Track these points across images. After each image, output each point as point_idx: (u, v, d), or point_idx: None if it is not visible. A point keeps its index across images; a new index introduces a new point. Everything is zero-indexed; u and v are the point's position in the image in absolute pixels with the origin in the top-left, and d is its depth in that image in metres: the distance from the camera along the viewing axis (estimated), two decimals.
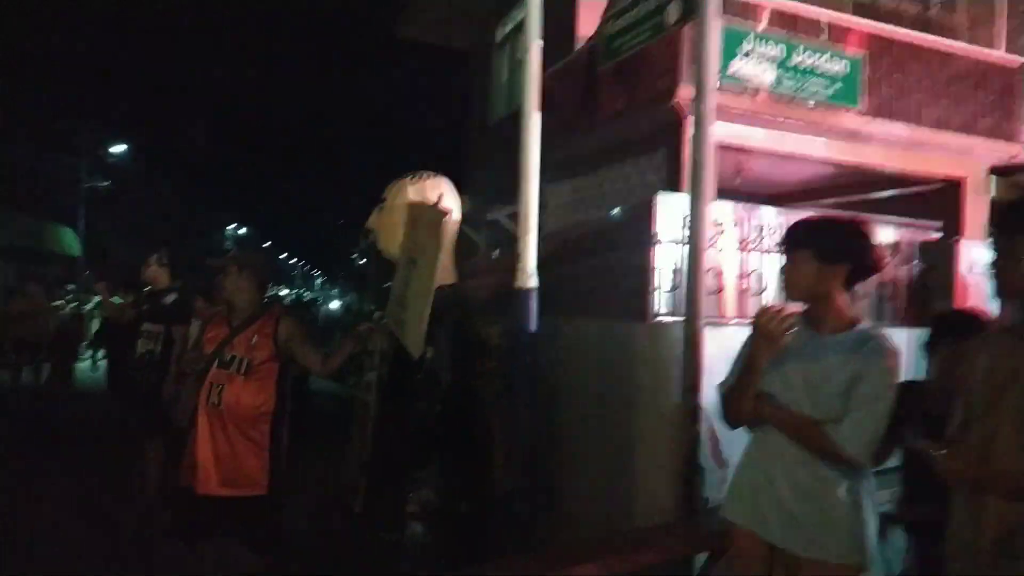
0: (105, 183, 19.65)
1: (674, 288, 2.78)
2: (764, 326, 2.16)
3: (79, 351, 10.89)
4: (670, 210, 2.73)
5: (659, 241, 2.72)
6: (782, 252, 2.28)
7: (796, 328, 2.14)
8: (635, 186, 6.38)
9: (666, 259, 2.78)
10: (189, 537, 3.40)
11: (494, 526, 2.61)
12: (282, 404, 3.42)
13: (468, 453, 2.54)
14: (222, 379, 3.32)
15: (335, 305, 26.32)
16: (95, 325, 12.62)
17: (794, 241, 2.29)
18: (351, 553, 2.86)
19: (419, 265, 2.38)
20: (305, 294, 31.33)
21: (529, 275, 2.38)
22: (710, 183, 2.37)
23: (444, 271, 2.40)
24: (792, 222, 2.33)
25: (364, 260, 24.27)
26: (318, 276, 58.06)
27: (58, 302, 9.99)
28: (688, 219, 2.44)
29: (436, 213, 2.31)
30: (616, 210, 3.34)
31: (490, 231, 9.85)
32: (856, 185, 8.48)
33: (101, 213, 19.10)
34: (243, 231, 43.86)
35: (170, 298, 4.95)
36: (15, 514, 5.17)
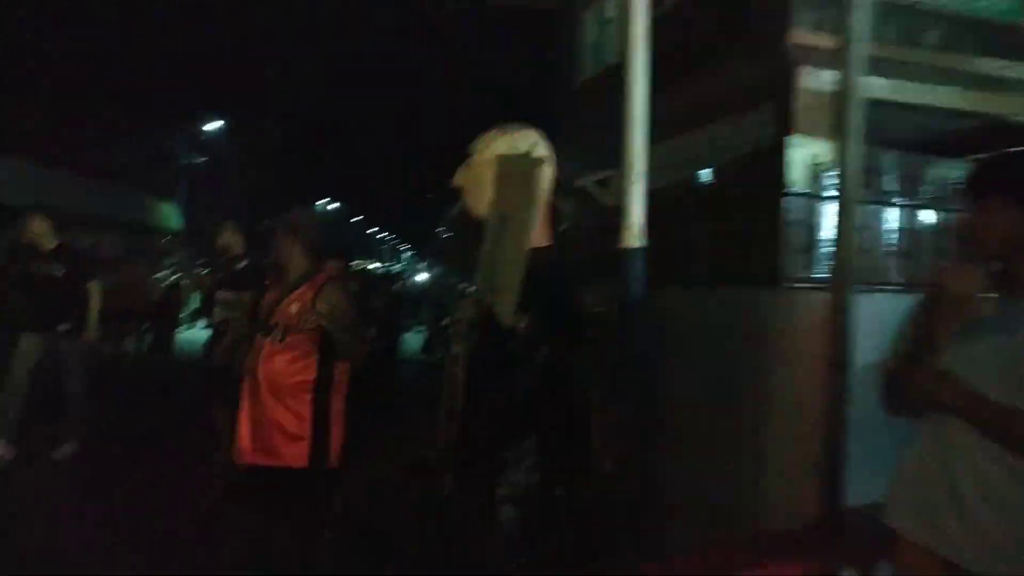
0: (202, 159, 20.44)
1: (810, 248, 2.41)
2: (951, 288, 1.75)
3: (178, 321, 11.29)
4: (804, 158, 2.36)
5: (792, 193, 2.36)
6: (968, 199, 1.86)
7: (988, 292, 1.72)
8: (738, 145, 5.87)
9: (800, 214, 2.41)
10: (241, 508, 3.35)
11: (592, 514, 2.36)
12: (328, 375, 3.21)
13: (565, 433, 2.30)
14: (262, 346, 3.21)
15: (422, 278, 26.61)
16: (197, 296, 13.08)
17: (985, 185, 1.85)
18: (436, 538, 2.67)
19: (511, 223, 2.12)
20: (393, 267, 31.89)
21: (636, 233, 2.07)
22: (859, 121, 1.98)
23: (539, 231, 2.14)
24: (981, 163, 1.89)
25: (449, 233, 24.39)
26: (406, 249, 59.09)
27: (159, 274, 10.34)
28: (826, 167, 2.08)
29: (530, 162, 2.05)
30: (731, 162, 2.98)
31: (577, 200, 9.47)
32: (1000, 141, 7.58)
33: (199, 188, 19.85)
34: (334, 205, 45.09)
35: (246, 264, 4.99)
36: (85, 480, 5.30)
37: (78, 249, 5.57)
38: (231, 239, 5.11)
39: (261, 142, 21.55)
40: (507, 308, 2.03)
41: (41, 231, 5.54)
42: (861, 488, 2.02)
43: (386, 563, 3.55)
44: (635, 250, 2.07)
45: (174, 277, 13.01)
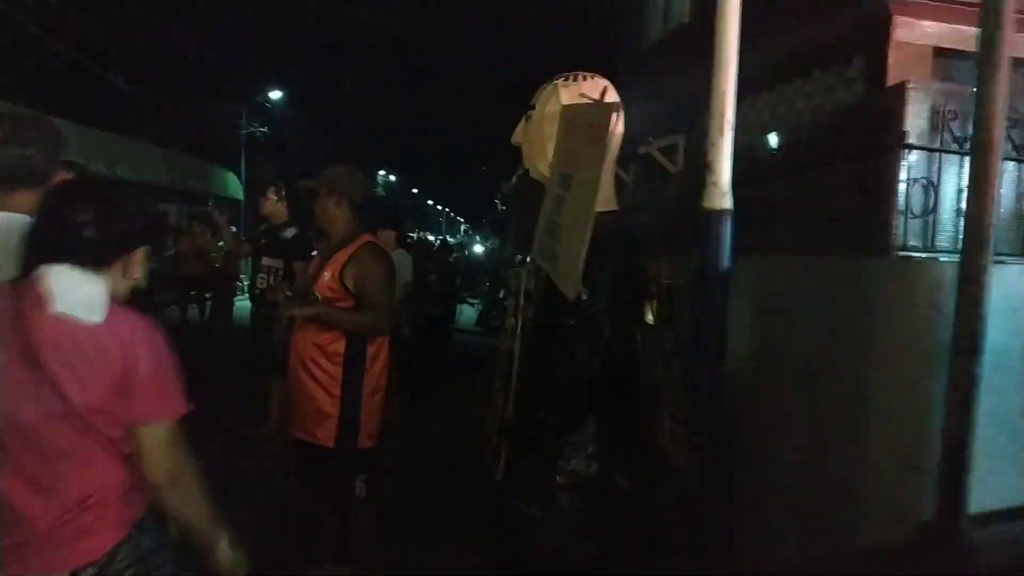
0: (263, 129, 20.70)
1: (927, 212, 2.08)
2: None
3: (237, 288, 11.41)
4: (923, 104, 2.02)
5: (910, 146, 2.03)
6: None
7: None
8: (834, 97, 5.40)
9: (917, 171, 2.08)
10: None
11: (658, 508, 2.13)
12: (360, 348, 2.93)
13: (630, 418, 2.07)
14: (282, 305, 3.03)
15: (478, 249, 26.53)
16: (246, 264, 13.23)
17: None
18: (487, 525, 2.48)
19: (577, 181, 1.87)
20: (450, 239, 32.00)
21: (722, 192, 1.80)
22: (1005, 58, 1.65)
23: (604, 194, 1.89)
24: None
25: (504, 206, 24.16)
26: (463, 222, 59.29)
27: (221, 242, 10.45)
28: (958, 113, 1.77)
29: (601, 109, 1.79)
30: (826, 116, 2.64)
31: (639, 167, 9.07)
32: None
33: (261, 158, 20.13)
34: (392, 177, 45.28)
35: (289, 232, 4.85)
36: None
37: None
38: (276, 206, 4.98)
39: (322, 112, 21.70)
40: (569, 279, 1.79)
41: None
42: (988, 491, 1.73)
43: (427, 552, 3.36)
44: (720, 212, 1.79)
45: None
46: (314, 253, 3.46)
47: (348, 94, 20.58)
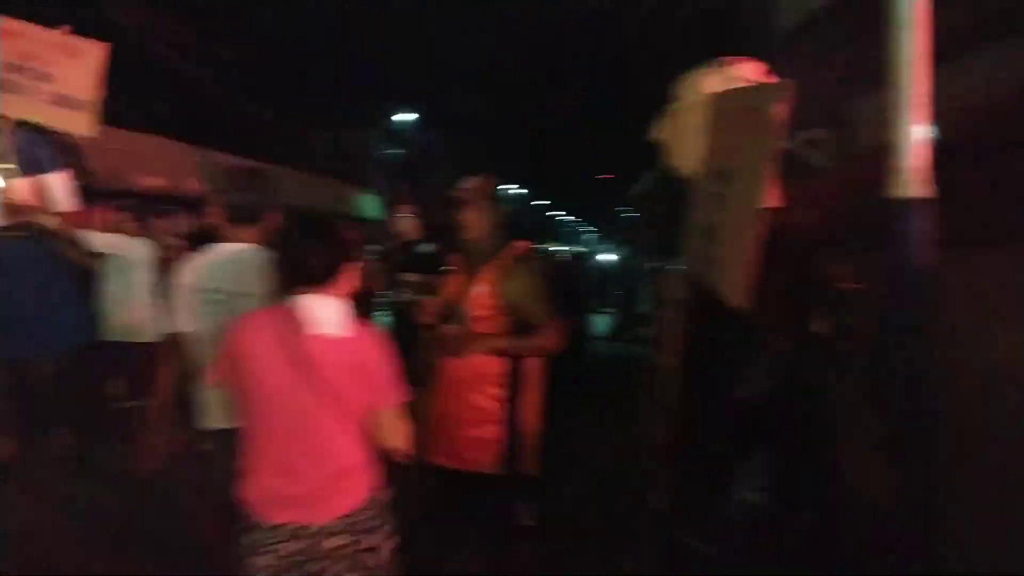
0: (399, 151, 21.55)
1: None
2: None
3: (378, 304, 11.79)
4: None
5: None
6: None
7: None
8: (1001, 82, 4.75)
9: None
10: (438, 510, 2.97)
11: (848, 545, 1.85)
12: (520, 366, 2.78)
13: (811, 443, 1.81)
14: (447, 334, 2.84)
15: (607, 258, 26.22)
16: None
17: None
18: (650, 562, 2.27)
19: (738, 176, 1.66)
20: (576, 249, 31.81)
21: (914, 178, 1.52)
22: None
23: (768, 189, 1.65)
24: None
25: (634, 212, 23.73)
26: (590, 231, 59.16)
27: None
28: None
29: (766, 92, 1.58)
30: None
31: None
32: None
33: (397, 179, 20.90)
34: (518, 190, 46.01)
35: (427, 247, 4.88)
36: None
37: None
38: (409, 223, 5.05)
39: (451, 131, 22.27)
40: (734, 286, 1.58)
41: (273, 224, 5.72)
42: None
43: None
44: (912, 202, 1.52)
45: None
46: (450, 267, 3.39)
47: (477, 111, 20.97)
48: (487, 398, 2.75)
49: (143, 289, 5.35)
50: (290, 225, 2.19)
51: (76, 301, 4.78)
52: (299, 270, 1.98)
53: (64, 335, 4.71)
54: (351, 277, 2.04)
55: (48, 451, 4.80)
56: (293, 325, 1.93)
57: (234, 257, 2.52)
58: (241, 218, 2.55)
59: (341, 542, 1.97)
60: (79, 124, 4.24)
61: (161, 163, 10.83)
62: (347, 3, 15.10)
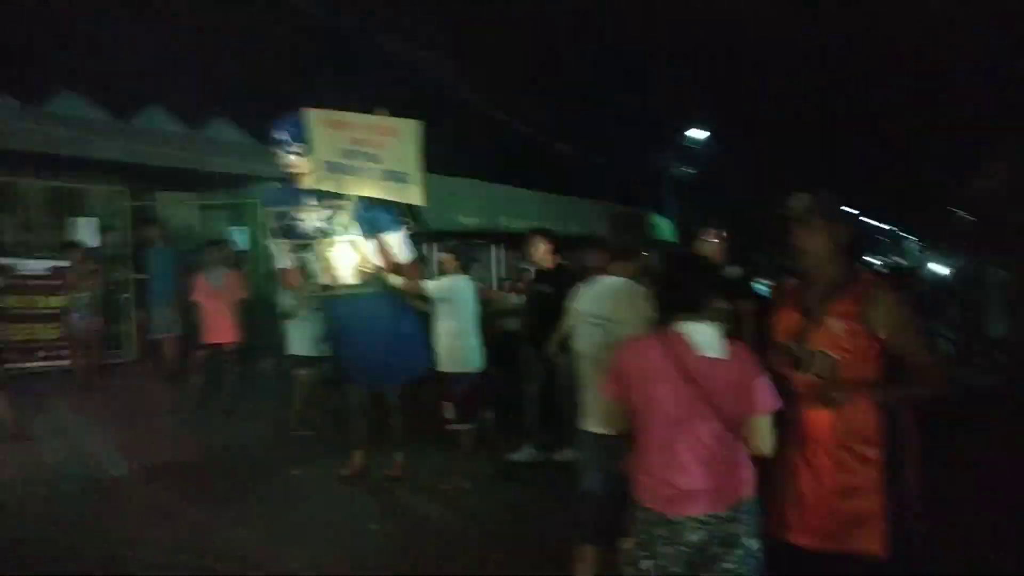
0: (691, 171, 21.01)
1: None
2: None
3: None
4: None
5: None
6: None
7: None
8: None
9: None
10: None
11: None
12: (900, 418, 2.32)
13: None
14: (800, 385, 2.45)
15: (941, 270, 22.70)
16: None
17: None
18: None
19: None
20: (901, 262, 28.12)
21: None
22: None
23: None
24: None
25: (968, 210, 20.44)
26: (911, 240, 52.25)
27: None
28: None
29: None
30: None
31: None
32: None
33: (690, 200, 20.43)
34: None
35: (733, 271, 4.67)
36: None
37: (574, 269, 5.77)
38: (715, 247, 4.82)
39: (743, 149, 21.24)
40: None
41: (542, 252, 5.93)
42: None
43: None
44: None
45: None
46: (772, 297, 3.03)
47: (772, 127, 19.72)
48: (861, 461, 2.36)
49: (469, 324, 5.89)
50: (670, 263, 2.64)
51: (416, 340, 5.53)
52: (680, 301, 2.33)
53: (407, 369, 5.48)
54: (714, 308, 2.35)
55: (391, 466, 5.47)
56: (682, 348, 2.25)
57: (611, 289, 3.06)
58: (619, 256, 3.11)
59: (734, 530, 2.22)
60: (410, 195, 4.84)
61: (475, 203, 11.86)
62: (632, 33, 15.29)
